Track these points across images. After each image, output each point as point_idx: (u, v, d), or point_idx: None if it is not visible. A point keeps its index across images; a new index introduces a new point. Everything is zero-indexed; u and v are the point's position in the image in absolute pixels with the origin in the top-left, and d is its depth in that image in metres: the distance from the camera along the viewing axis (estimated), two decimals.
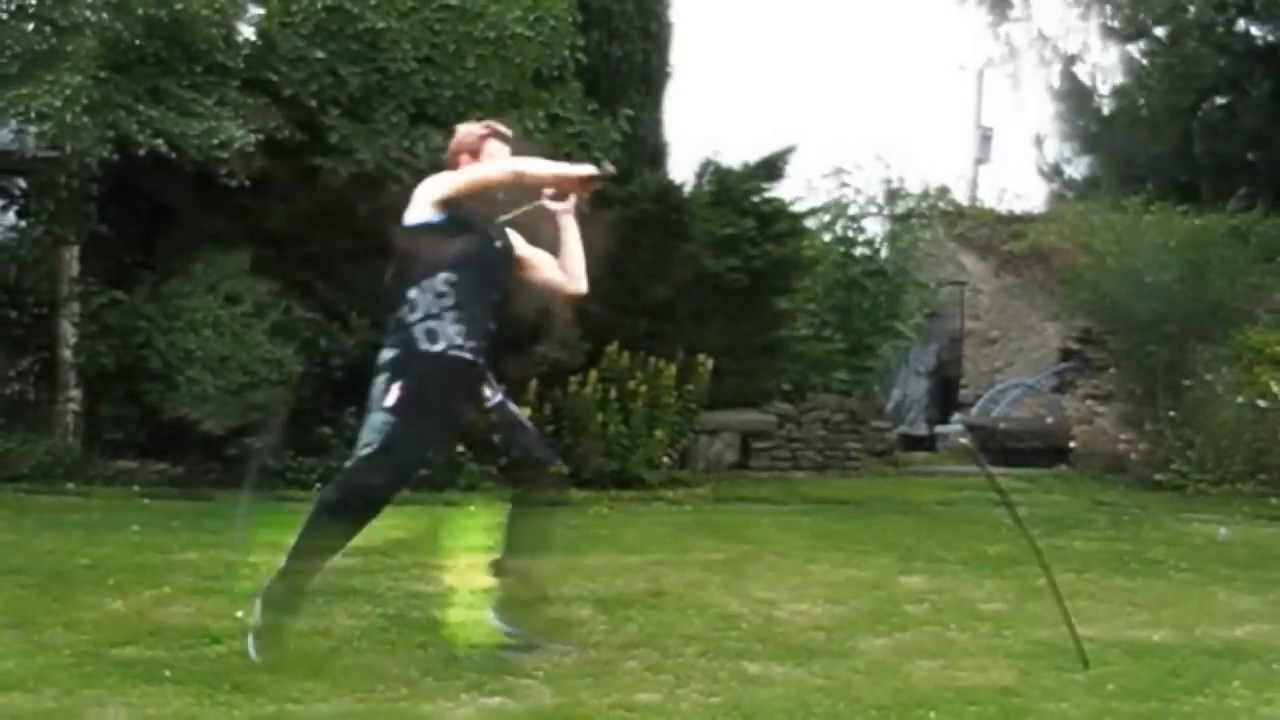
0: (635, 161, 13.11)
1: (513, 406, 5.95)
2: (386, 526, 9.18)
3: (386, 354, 5.57)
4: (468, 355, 5.54)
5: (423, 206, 5.64)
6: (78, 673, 5.16)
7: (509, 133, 5.92)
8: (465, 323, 5.51)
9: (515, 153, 5.86)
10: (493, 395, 5.75)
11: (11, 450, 10.65)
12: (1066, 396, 15.98)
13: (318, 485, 10.95)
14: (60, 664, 5.28)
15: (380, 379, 5.54)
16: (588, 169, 5.77)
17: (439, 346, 5.45)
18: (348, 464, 5.70)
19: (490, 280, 5.70)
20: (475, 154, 5.77)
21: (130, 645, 5.61)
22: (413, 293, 5.50)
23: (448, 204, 5.59)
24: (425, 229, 5.59)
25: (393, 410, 5.44)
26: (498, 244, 5.77)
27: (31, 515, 9.10)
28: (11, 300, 11.51)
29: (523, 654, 5.61)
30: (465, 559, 7.15)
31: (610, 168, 5.91)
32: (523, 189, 5.83)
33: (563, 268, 5.95)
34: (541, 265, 5.94)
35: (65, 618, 6.04)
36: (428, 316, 5.46)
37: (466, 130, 5.91)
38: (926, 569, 8.28)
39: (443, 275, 5.49)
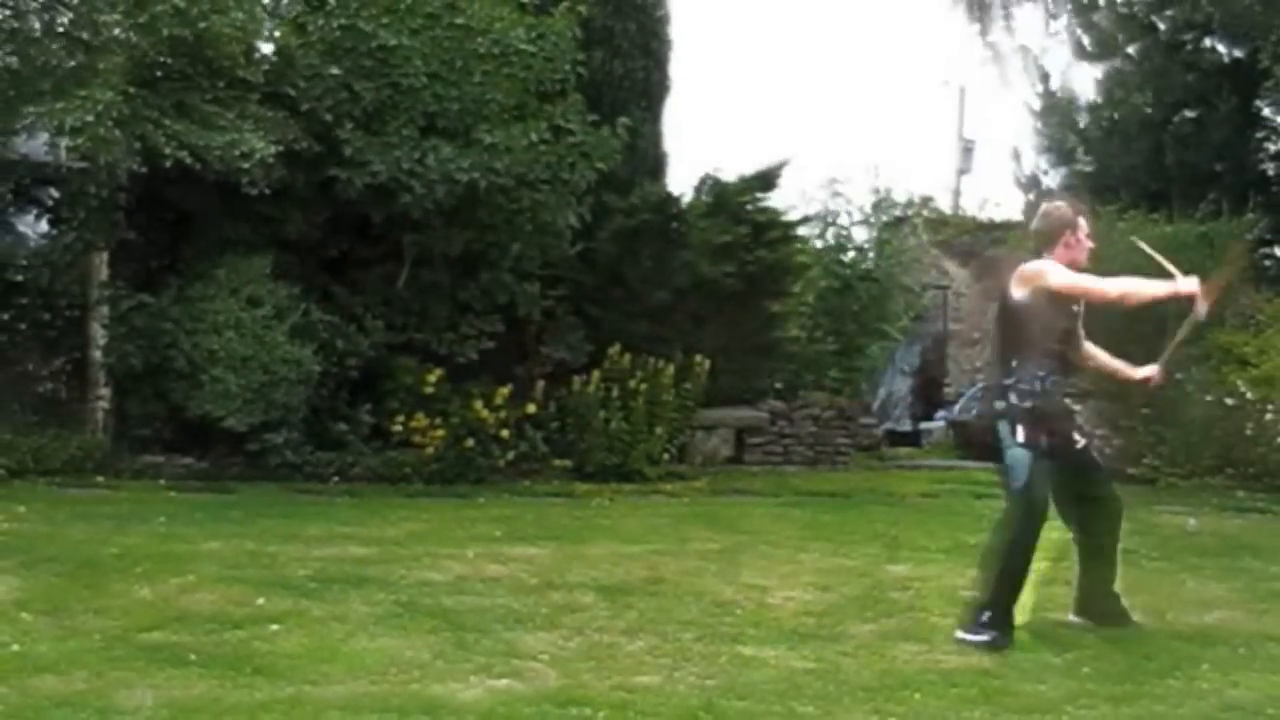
0: (636, 173, 13.13)
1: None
2: (400, 518, 9.25)
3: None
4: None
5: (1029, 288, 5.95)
6: (107, 656, 5.17)
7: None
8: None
9: None
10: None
11: (45, 445, 10.65)
12: None
13: (335, 478, 10.99)
14: (90, 648, 5.29)
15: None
16: (1191, 285, 5.94)
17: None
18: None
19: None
20: (1075, 229, 6.10)
21: (157, 630, 5.61)
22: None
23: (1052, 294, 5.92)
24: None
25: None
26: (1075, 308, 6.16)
27: (64, 507, 9.10)
28: (45, 303, 11.51)
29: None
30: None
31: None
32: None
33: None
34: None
35: (95, 604, 6.05)
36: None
37: (1063, 210, 6.16)
38: (911, 558, 8.27)
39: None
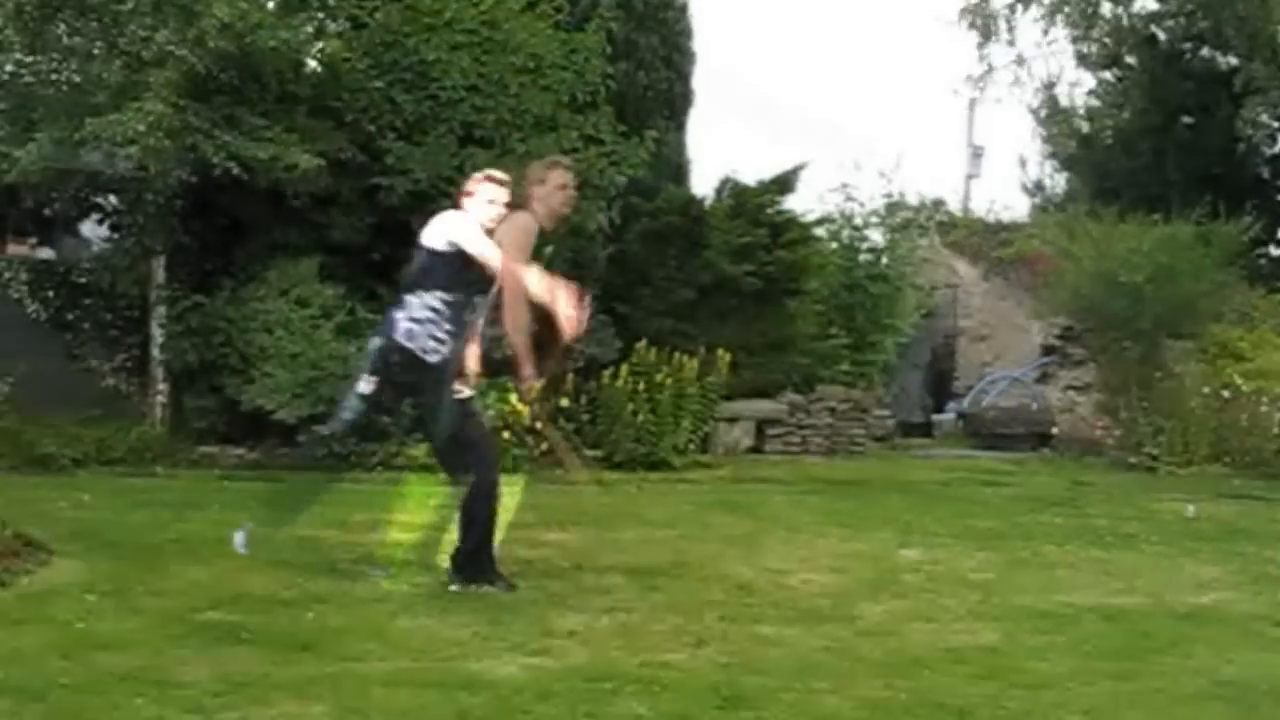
0: (660, 179, 13.13)
1: None
2: (440, 505, 9.24)
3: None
4: None
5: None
6: (166, 634, 5.20)
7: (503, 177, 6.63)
8: None
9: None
10: None
11: (108, 437, 10.72)
12: (1049, 387, 15.91)
13: (379, 468, 11.00)
14: (150, 626, 5.33)
15: None
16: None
17: None
18: None
19: None
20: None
21: (212, 610, 5.64)
22: None
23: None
24: None
25: None
26: None
27: (125, 495, 9.15)
28: (107, 304, 11.63)
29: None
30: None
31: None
32: None
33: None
34: None
35: (155, 586, 6.09)
36: None
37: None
38: (922, 542, 8.25)
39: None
